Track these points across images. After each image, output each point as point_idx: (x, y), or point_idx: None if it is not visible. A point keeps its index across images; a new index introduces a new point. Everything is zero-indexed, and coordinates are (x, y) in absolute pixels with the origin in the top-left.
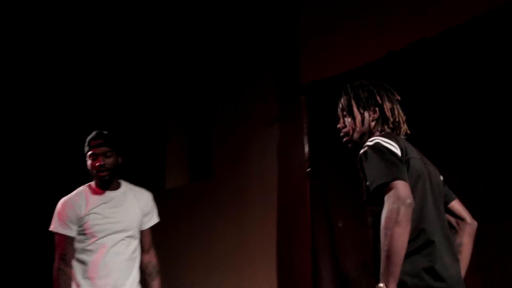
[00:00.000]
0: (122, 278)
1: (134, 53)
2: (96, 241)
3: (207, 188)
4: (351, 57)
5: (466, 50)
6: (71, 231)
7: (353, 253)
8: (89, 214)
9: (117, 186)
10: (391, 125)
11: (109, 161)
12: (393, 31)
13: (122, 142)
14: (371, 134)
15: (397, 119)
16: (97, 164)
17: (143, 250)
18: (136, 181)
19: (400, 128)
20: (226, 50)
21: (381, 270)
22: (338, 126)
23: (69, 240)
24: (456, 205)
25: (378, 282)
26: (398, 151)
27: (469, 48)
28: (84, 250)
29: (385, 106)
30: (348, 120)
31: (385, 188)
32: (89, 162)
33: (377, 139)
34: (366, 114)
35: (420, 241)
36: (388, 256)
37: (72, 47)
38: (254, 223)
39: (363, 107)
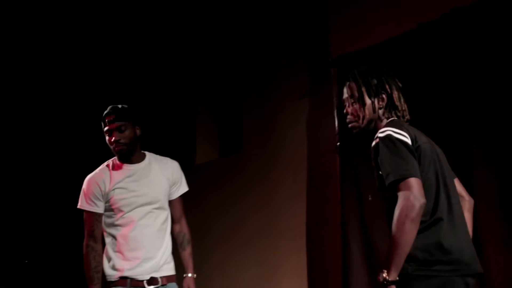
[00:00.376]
0: (153, 250)
1: (166, 27)
2: (124, 216)
3: (237, 163)
4: (381, 29)
5: (502, 21)
6: (98, 208)
7: (383, 227)
8: (113, 189)
9: (140, 159)
10: (398, 113)
11: (123, 135)
12: (425, 2)
13: (139, 112)
14: (378, 121)
15: (403, 107)
16: (112, 139)
17: (174, 220)
18: (166, 157)
19: (405, 116)
20: (255, 24)
21: (387, 259)
22: (344, 112)
23: (97, 216)
24: (455, 183)
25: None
26: (409, 140)
27: (505, 19)
28: (113, 225)
29: (394, 95)
30: (356, 106)
31: (399, 183)
32: (106, 138)
33: (388, 130)
34: (375, 101)
35: (430, 220)
36: (396, 248)
37: (106, 20)
38: (284, 197)
39: (373, 94)
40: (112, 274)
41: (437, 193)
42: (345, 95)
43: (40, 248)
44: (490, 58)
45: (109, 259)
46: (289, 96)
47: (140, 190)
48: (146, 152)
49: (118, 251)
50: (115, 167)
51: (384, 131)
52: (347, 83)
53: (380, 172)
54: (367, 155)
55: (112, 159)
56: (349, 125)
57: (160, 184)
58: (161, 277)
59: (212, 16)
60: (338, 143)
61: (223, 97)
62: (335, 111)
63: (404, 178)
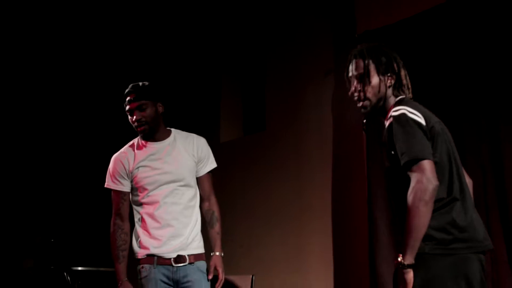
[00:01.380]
0: (180, 228)
1: (190, 2)
2: (149, 194)
3: (261, 141)
4: (409, 4)
5: None
6: (124, 187)
7: None
8: (137, 168)
9: (165, 136)
10: (406, 91)
11: (145, 114)
12: None
13: (160, 89)
14: (386, 99)
15: (409, 86)
16: (133, 119)
17: (203, 198)
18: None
19: (410, 94)
20: (278, 0)
21: (402, 242)
22: (352, 89)
23: (123, 195)
24: None
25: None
26: (423, 120)
27: None
28: (139, 204)
29: (402, 73)
30: (365, 84)
31: (412, 164)
32: (129, 118)
33: (402, 109)
34: (384, 79)
35: (444, 200)
36: (411, 232)
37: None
38: (309, 175)
39: (382, 72)
40: (139, 252)
41: (450, 174)
42: (351, 73)
43: (66, 226)
44: None
45: (137, 237)
46: (314, 73)
47: (163, 168)
48: (172, 129)
49: (145, 229)
50: (139, 146)
51: (398, 110)
52: (354, 60)
53: (393, 152)
54: None
55: (137, 137)
56: (358, 104)
57: (184, 161)
58: (188, 255)
59: None
60: (365, 120)
61: (247, 75)
62: None
63: (418, 159)
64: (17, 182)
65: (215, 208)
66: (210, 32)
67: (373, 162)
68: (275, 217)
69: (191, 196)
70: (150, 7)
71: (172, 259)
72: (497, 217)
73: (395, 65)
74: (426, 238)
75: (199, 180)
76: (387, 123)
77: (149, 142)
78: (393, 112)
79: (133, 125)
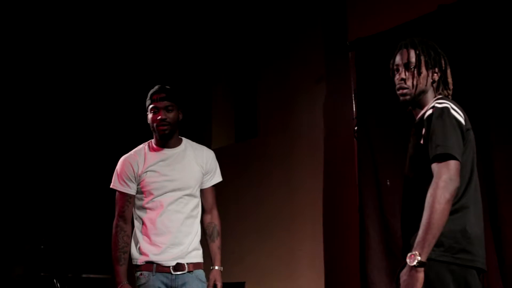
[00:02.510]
0: (180, 236)
1: (183, 8)
2: (154, 199)
3: (253, 148)
4: (400, 12)
5: None
6: (130, 189)
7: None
8: (146, 172)
9: (176, 143)
10: (449, 90)
11: (170, 115)
12: None
13: (184, 98)
14: (427, 94)
15: (451, 86)
16: (158, 117)
17: (205, 210)
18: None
19: (450, 95)
20: (273, 6)
21: (419, 239)
22: (400, 76)
23: (128, 197)
24: None
25: (410, 250)
26: (463, 121)
27: None
28: (143, 208)
29: (448, 71)
30: (414, 74)
31: (442, 159)
32: (150, 116)
33: (446, 103)
34: (430, 73)
35: (458, 206)
36: (430, 228)
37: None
38: (300, 182)
39: (430, 66)
40: (138, 258)
41: (469, 182)
42: (399, 61)
43: (56, 233)
44: None
45: (136, 242)
46: (306, 80)
47: (172, 175)
48: (183, 138)
49: (145, 235)
50: (150, 150)
51: (442, 103)
52: (404, 49)
53: (422, 142)
54: (386, 139)
55: (148, 141)
56: (400, 91)
57: (193, 171)
58: (188, 264)
59: (229, 1)
60: (356, 128)
61: (239, 82)
62: (353, 95)
63: (449, 155)
64: (6, 189)
65: (217, 222)
66: (202, 39)
67: (364, 169)
68: (266, 224)
69: (194, 206)
70: (144, 14)
71: (171, 267)
72: (487, 224)
73: (442, 61)
74: (436, 244)
75: (203, 192)
76: (428, 113)
77: (161, 148)
78: (437, 104)
79: (154, 123)
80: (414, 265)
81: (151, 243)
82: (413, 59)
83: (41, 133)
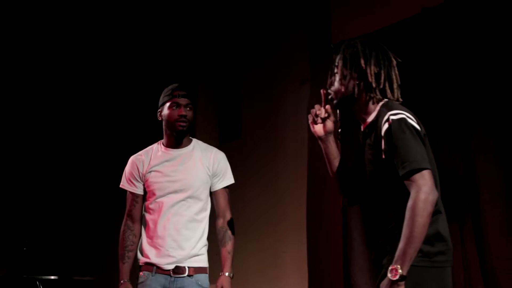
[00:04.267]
0: (182, 240)
1: (165, 10)
2: (156, 200)
3: (237, 149)
4: (384, 15)
5: (507, 8)
6: (136, 189)
7: None
8: (150, 172)
9: (186, 144)
10: (377, 93)
11: (190, 113)
12: None
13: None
14: (358, 97)
15: (382, 86)
16: (179, 114)
17: (217, 214)
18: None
19: (387, 96)
20: (257, 8)
21: (400, 252)
22: (328, 84)
23: (135, 197)
24: None
25: (383, 258)
26: (419, 128)
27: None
28: (147, 208)
29: (368, 71)
30: (336, 79)
31: (415, 174)
32: (168, 111)
33: (401, 114)
34: (349, 76)
35: (433, 212)
36: (412, 242)
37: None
38: (284, 184)
39: (348, 68)
40: (140, 258)
41: (436, 186)
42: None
43: (39, 235)
44: (496, 45)
45: (141, 243)
46: (290, 81)
47: (174, 175)
48: (194, 139)
49: (148, 236)
50: (157, 151)
51: (396, 114)
52: (335, 57)
53: (384, 157)
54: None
55: (157, 142)
56: (329, 97)
57: (197, 173)
58: (188, 267)
59: (213, 1)
60: (340, 130)
61: (224, 83)
62: None
63: (421, 169)
64: None
65: (229, 227)
66: (186, 40)
67: None
68: (250, 226)
69: (198, 210)
70: (126, 14)
71: (171, 270)
72: (469, 225)
73: (362, 62)
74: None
75: (214, 195)
76: (385, 127)
77: (167, 148)
78: (392, 116)
79: (172, 120)
80: (398, 279)
81: (152, 244)
82: (335, 65)
83: (25, 134)
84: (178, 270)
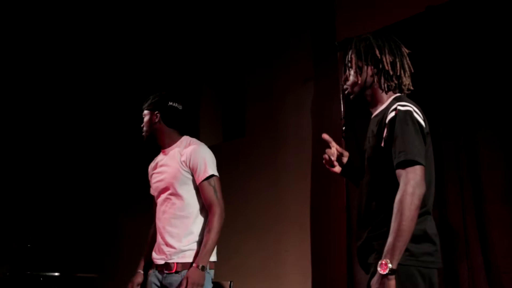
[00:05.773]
0: (168, 238)
1: (170, 11)
2: (155, 200)
3: (240, 147)
4: (389, 13)
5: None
6: (152, 190)
7: None
8: (152, 175)
9: (172, 144)
10: (395, 80)
11: (144, 120)
12: None
13: (162, 97)
14: (373, 89)
15: (398, 73)
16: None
17: (206, 208)
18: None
19: (402, 83)
20: (261, 6)
21: (389, 246)
22: (344, 76)
23: (153, 198)
24: None
25: (371, 254)
26: (424, 125)
27: None
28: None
29: (384, 60)
30: (351, 73)
31: (408, 166)
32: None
33: (409, 106)
34: (365, 67)
35: (421, 211)
36: (400, 236)
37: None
38: (288, 182)
39: (363, 60)
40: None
41: (429, 185)
42: (344, 63)
43: (43, 232)
44: (499, 43)
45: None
46: (294, 79)
47: (159, 176)
48: (184, 137)
49: (153, 234)
50: (160, 154)
51: (404, 105)
52: (348, 51)
53: (382, 145)
54: None
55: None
56: (345, 92)
57: (173, 170)
58: (177, 263)
59: (217, 1)
60: (344, 128)
61: (227, 81)
62: (341, 95)
63: (414, 162)
64: None
65: (211, 218)
66: (191, 39)
67: None
68: (253, 224)
69: (181, 206)
70: (132, 14)
71: (162, 266)
72: (473, 224)
73: (377, 52)
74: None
75: (199, 189)
76: (390, 115)
77: (162, 151)
78: (400, 107)
79: None
80: (386, 273)
81: (155, 241)
82: (349, 59)
83: (26, 132)
84: (167, 266)
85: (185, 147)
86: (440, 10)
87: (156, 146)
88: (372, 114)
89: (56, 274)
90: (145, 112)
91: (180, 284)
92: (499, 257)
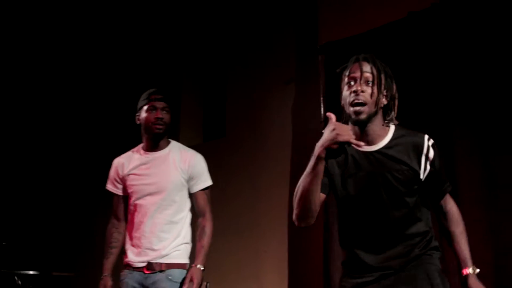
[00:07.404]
0: (156, 242)
1: (151, 9)
2: (134, 202)
3: (221, 148)
4: (371, 17)
5: (493, 12)
6: (118, 190)
7: None
8: (129, 175)
9: (163, 147)
10: (393, 116)
11: (166, 116)
12: None
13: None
14: (376, 117)
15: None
16: (156, 116)
17: (197, 214)
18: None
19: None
20: (243, 8)
21: (468, 254)
22: (357, 88)
23: (118, 198)
24: None
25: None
26: None
27: (495, 9)
28: (129, 209)
29: (396, 100)
30: (373, 90)
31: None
32: (145, 115)
33: (429, 138)
34: (382, 95)
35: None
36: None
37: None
38: (267, 183)
39: (385, 88)
40: (123, 256)
41: None
42: (358, 74)
43: (17, 229)
44: (480, 49)
45: (124, 242)
46: (275, 81)
47: (148, 179)
48: (173, 142)
49: (129, 235)
50: (137, 153)
51: (429, 138)
52: (363, 62)
53: (421, 177)
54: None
55: (139, 145)
56: (357, 107)
57: (170, 176)
58: (161, 263)
59: (199, 0)
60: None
61: (208, 81)
62: (322, 98)
63: None
64: None
65: (206, 224)
66: (172, 37)
67: None
68: (232, 224)
69: (173, 212)
70: (112, 13)
71: (143, 267)
72: (486, 226)
73: (394, 86)
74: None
75: (193, 196)
76: (433, 151)
77: (145, 152)
78: (430, 140)
79: (149, 123)
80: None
81: (132, 243)
82: (372, 74)
83: (4, 133)
84: (151, 266)
85: (180, 152)
86: (421, 16)
87: (129, 143)
88: (354, 145)
89: (32, 272)
90: (167, 105)
91: (183, 282)
92: (473, 263)
